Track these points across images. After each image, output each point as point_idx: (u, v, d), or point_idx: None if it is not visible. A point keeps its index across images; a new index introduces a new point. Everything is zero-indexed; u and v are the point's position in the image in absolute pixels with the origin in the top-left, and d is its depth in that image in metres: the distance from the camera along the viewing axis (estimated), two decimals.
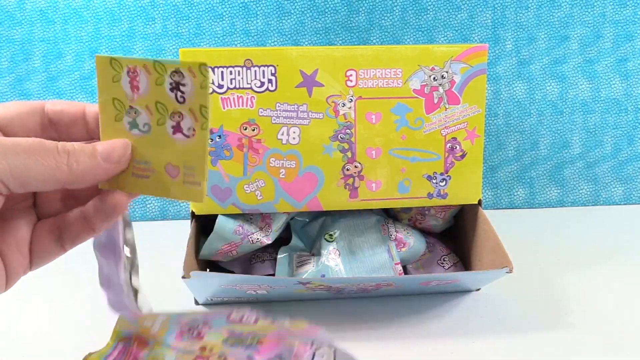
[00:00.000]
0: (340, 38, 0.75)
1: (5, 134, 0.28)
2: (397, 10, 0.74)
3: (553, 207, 0.79)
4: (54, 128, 0.30)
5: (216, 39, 0.74)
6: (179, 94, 0.27)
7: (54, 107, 0.29)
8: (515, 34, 0.75)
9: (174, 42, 0.74)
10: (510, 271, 0.47)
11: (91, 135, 0.30)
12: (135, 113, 0.28)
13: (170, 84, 0.27)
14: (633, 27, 0.75)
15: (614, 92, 0.77)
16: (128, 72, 0.28)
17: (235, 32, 0.74)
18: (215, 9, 0.73)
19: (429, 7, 0.74)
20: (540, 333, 0.49)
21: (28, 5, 0.73)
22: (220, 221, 0.52)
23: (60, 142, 0.26)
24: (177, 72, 0.27)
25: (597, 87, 0.77)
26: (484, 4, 0.74)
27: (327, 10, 0.74)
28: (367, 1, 0.74)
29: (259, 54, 0.50)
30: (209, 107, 0.27)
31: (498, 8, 0.74)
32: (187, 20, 0.74)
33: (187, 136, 0.28)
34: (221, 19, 0.74)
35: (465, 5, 0.74)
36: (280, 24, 0.74)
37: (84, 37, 0.73)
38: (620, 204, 0.79)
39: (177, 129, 0.28)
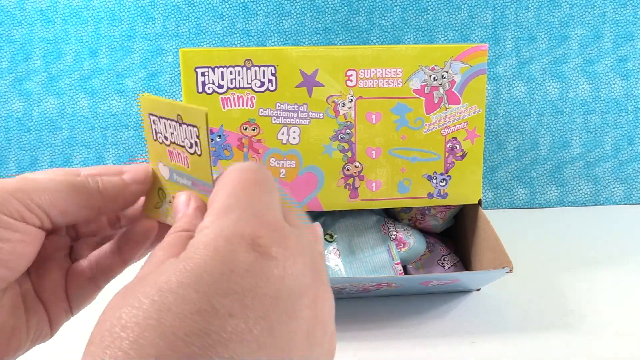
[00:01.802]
0: (341, 38, 0.74)
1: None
2: (397, 10, 0.74)
3: (553, 207, 0.79)
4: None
5: (216, 38, 0.74)
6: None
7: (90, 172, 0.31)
8: (515, 34, 0.75)
9: (174, 42, 0.74)
10: (510, 271, 0.47)
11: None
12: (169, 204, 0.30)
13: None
14: (633, 27, 0.75)
15: (614, 92, 0.77)
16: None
17: (236, 32, 0.74)
18: (215, 8, 0.73)
19: (429, 7, 0.74)
20: (540, 333, 0.49)
21: (28, 5, 0.72)
22: None
23: (88, 173, 0.28)
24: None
25: (597, 87, 0.77)
26: (484, 4, 0.74)
27: (327, 10, 0.74)
28: (367, 1, 0.74)
29: (259, 54, 0.50)
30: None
31: (498, 8, 0.74)
32: (187, 20, 0.74)
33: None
34: (221, 19, 0.74)
35: (465, 5, 0.74)
36: (281, 24, 0.74)
37: (84, 37, 0.73)
38: (620, 204, 0.79)
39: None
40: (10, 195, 0.24)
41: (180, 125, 0.27)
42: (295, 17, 0.74)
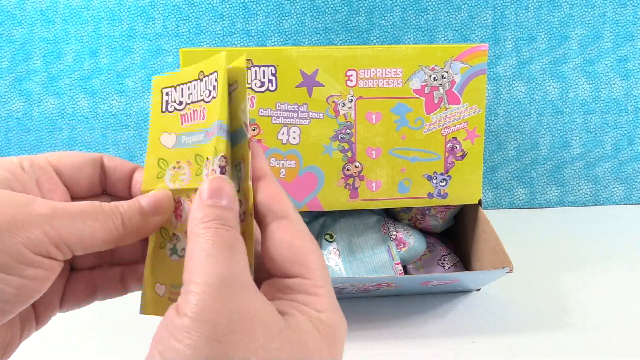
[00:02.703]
0: (341, 38, 0.74)
1: (69, 185, 0.30)
2: (397, 10, 0.74)
3: (553, 207, 0.79)
4: (105, 181, 0.31)
5: (216, 38, 0.74)
6: None
7: (110, 163, 0.31)
8: (515, 34, 0.75)
9: (174, 42, 0.74)
10: (511, 271, 0.47)
11: (132, 194, 0.31)
12: (176, 239, 0.29)
13: None
14: (633, 27, 0.75)
15: (614, 92, 0.77)
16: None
17: (236, 32, 0.74)
18: (215, 8, 0.73)
19: (429, 7, 0.74)
20: (540, 333, 0.49)
21: (28, 5, 0.72)
22: None
23: (112, 204, 0.27)
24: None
25: (597, 87, 0.77)
26: (484, 4, 0.74)
27: (327, 10, 0.74)
28: (367, 1, 0.74)
29: (259, 54, 0.50)
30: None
31: (498, 8, 0.74)
32: (187, 20, 0.74)
33: None
34: (221, 19, 0.74)
35: (465, 5, 0.74)
36: (281, 24, 0.74)
37: (84, 37, 0.73)
38: (620, 204, 0.79)
39: None
40: (40, 231, 0.24)
41: (201, 80, 0.29)
42: (295, 17, 0.74)
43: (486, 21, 0.74)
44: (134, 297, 0.30)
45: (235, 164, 0.28)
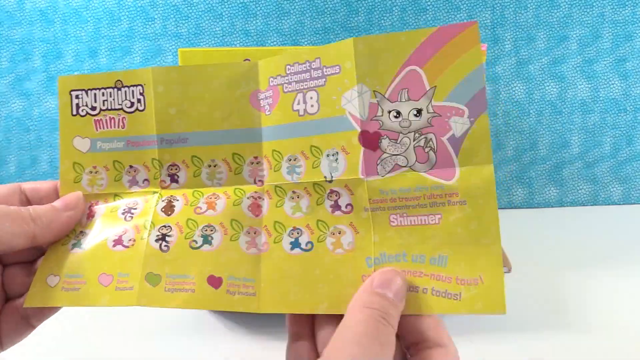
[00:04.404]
0: (340, 38, 0.75)
1: None
2: (396, 11, 0.74)
3: (552, 207, 0.79)
4: (30, 204, 0.32)
5: (216, 38, 0.74)
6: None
7: (29, 186, 0.32)
8: (514, 34, 0.75)
9: (173, 42, 0.74)
10: (509, 271, 0.47)
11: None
12: (82, 235, 0.31)
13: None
14: (632, 27, 0.75)
15: (613, 92, 0.77)
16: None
17: (235, 32, 0.74)
18: (214, 9, 0.73)
19: (428, 7, 0.74)
20: (540, 333, 0.49)
21: (28, 5, 0.73)
22: None
23: (21, 207, 0.29)
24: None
25: (596, 87, 0.77)
26: (483, 4, 0.74)
27: (326, 10, 0.74)
28: (366, 1, 0.74)
29: (258, 54, 0.50)
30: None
31: (497, 8, 0.75)
32: (186, 20, 0.74)
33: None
34: (220, 19, 0.74)
35: (465, 5, 0.74)
36: (280, 24, 0.74)
37: (84, 37, 0.74)
38: (619, 204, 0.79)
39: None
40: None
41: (119, 89, 0.30)
42: (294, 17, 0.74)
43: (485, 21, 0.75)
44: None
45: (331, 153, 0.29)
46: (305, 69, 0.30)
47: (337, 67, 0.28)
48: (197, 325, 0.49)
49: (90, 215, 0.31)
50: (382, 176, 0.28)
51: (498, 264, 0.27)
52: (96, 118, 0.30)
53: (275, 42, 0.74)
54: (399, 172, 0.28)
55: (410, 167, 0.28)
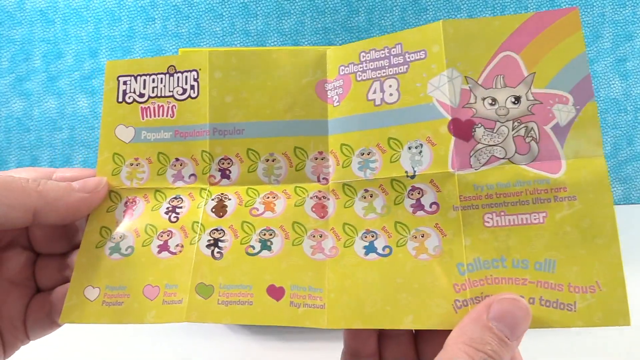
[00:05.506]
0: (340, 38, 0.75)
1: None
2: (396, 11, 0.74)
3: None
4: None
5: (216, 38, 0.74)
6: (172, 215, 0.28)
7: (63, 174, 0.30)
8: None
9: (173, 42, 0.74)
10: None
11: None
12: (120, 238, 0.28)
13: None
14: (632, 27, 0.75)
15: (613, 92, 0.77)
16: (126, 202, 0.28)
17: (235, 32, 0.74)
18: (215, 9, 0.73)
19: (428, 7, 0.74)
20: (540, 333, 0.49)
21: (28, 5, 0.73)
22: None
23: (31, 179, 0.26)
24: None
25: (596, 87, 0.77)
26: (483, 4, 0.74)
27: (326, 10, 0.74)
28: (366, 1, 0.74)
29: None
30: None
31: (497, 8, 0.75)
32: (187, 20, 0.74)
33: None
34: (221, 19, 0.74)
35: (465, 5, 0.74)
36: (280, 24, 0.74)
37: (84, 37, 0.74)
38: (619, 204, 0.79)
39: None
40: None
41: (172, 75, 0.27)
42: (295, 17, 0.74)
43: None
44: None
45: (413, 145, 0.26)
46: (383, 55, 0.27)
47: (423, 51, 0.26)
48: (198, 325, 0.49)
49: (128, 213, 0.28)
50: (477, 169, 0.25)
51: (618, 267, 0.25)
52: (143, 105, 0.28)
53: (275, 42, 0.74)
54: (496, 164, 0.25)
55: (509, 159, 0.25)
